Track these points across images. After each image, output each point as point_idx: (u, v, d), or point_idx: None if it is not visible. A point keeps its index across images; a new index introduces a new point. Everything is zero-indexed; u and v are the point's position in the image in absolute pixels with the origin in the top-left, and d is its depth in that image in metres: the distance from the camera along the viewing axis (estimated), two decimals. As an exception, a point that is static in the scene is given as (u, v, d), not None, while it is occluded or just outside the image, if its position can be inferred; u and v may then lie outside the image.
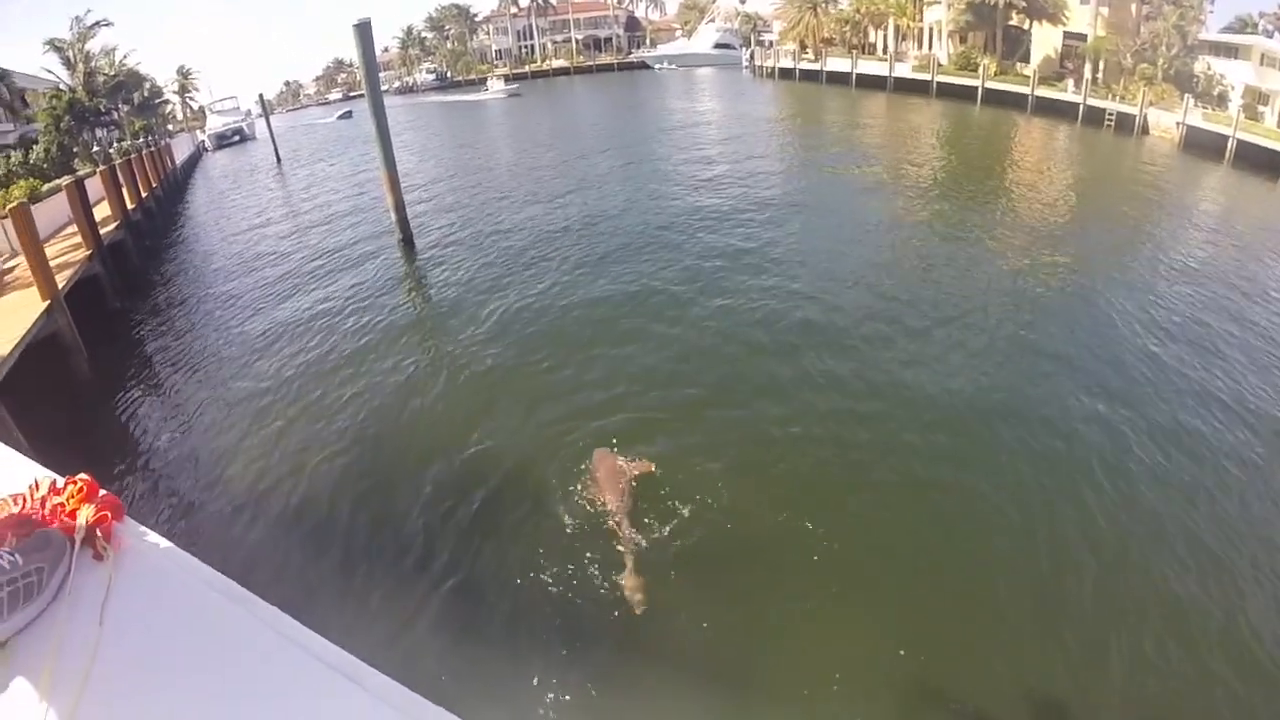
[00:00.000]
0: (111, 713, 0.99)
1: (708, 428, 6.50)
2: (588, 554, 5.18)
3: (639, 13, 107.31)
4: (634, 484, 5.71)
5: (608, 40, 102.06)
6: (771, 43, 75.72)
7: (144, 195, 20.36)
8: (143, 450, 7.78)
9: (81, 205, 12.67)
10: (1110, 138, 31.34)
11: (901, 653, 4.56)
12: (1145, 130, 31.42)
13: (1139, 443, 6.57)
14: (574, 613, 4.83)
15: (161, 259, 17.26)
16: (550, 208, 14.24)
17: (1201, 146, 27.80)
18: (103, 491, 1.34)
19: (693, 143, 20.63)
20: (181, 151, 43.69)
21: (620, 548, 5.16)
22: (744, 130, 23.77)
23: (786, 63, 60.95)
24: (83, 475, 1.37)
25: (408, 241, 12.36)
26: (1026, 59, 42.84)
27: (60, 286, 9.72)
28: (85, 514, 1.28)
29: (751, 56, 73.83)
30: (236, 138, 59.34)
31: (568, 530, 5.46)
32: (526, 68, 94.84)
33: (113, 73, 40.46)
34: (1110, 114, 32.73)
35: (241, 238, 17.68)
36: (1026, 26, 42.83)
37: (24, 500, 1.34)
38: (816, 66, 55.17)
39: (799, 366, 7.54)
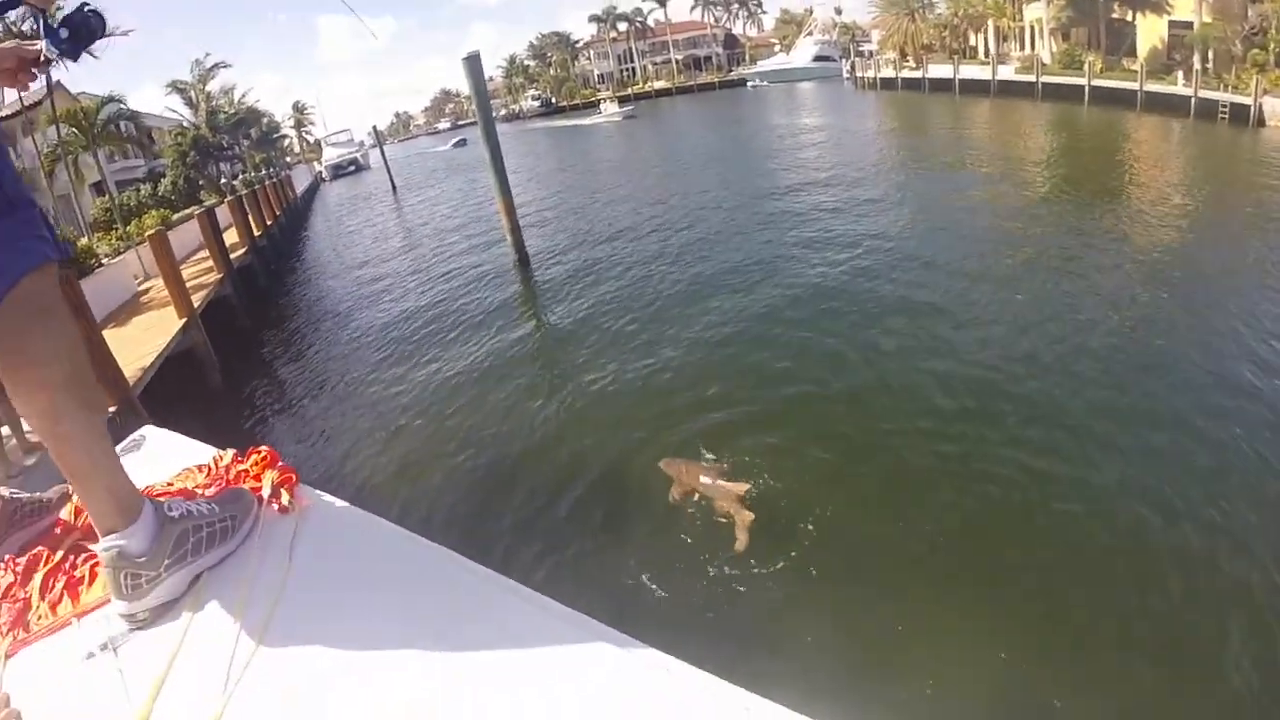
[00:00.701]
0: (299, 630, 1.17)
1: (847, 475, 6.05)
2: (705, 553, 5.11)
3: (737, 30, 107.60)
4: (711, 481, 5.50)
5: (707, 59, 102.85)
6: (871, 52, 74.33)
7: (269, 223, 21.97)
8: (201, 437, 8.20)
9: (213, 232, 13.88)
10: (1226, 130, 29.11)
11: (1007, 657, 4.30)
12: (1261, 121, 28.88)
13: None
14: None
15: (285, 282, 18.36)
16: (660, 229, 14.08)
17: (1326, 133, 25.34)
18: (281, 462, 1.60)
19: (798, 162, 20.06)
20: (300, 182, 46.94)
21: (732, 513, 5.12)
22: (849, 148, 22.87)
23: (887, 72, 59.59)
24: (264, 446, 1.64)
25: (523, 262, 12.80)
26: (1133, 53, 40.36)
27: (195, 305, 10.71)
28: (270, 477, 1.53)
29: (852, 68, 72.46)
30: (352, 168, 63.20)
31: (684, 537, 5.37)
32: (629, 90, 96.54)
33: (232, 110, 43.90)
34: (1224, 105, 30.34)
35: (360, 260, 18.51)
36: (1130, 18, 40.40)
37: (209, 469, 1.66)
38: (918, 74, 53.77)
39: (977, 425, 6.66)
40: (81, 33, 1.48)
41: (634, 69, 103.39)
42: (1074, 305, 9.04)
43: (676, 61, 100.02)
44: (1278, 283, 10.10)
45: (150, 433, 2.08)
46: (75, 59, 1.51)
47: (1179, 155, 23.06)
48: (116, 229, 22.96)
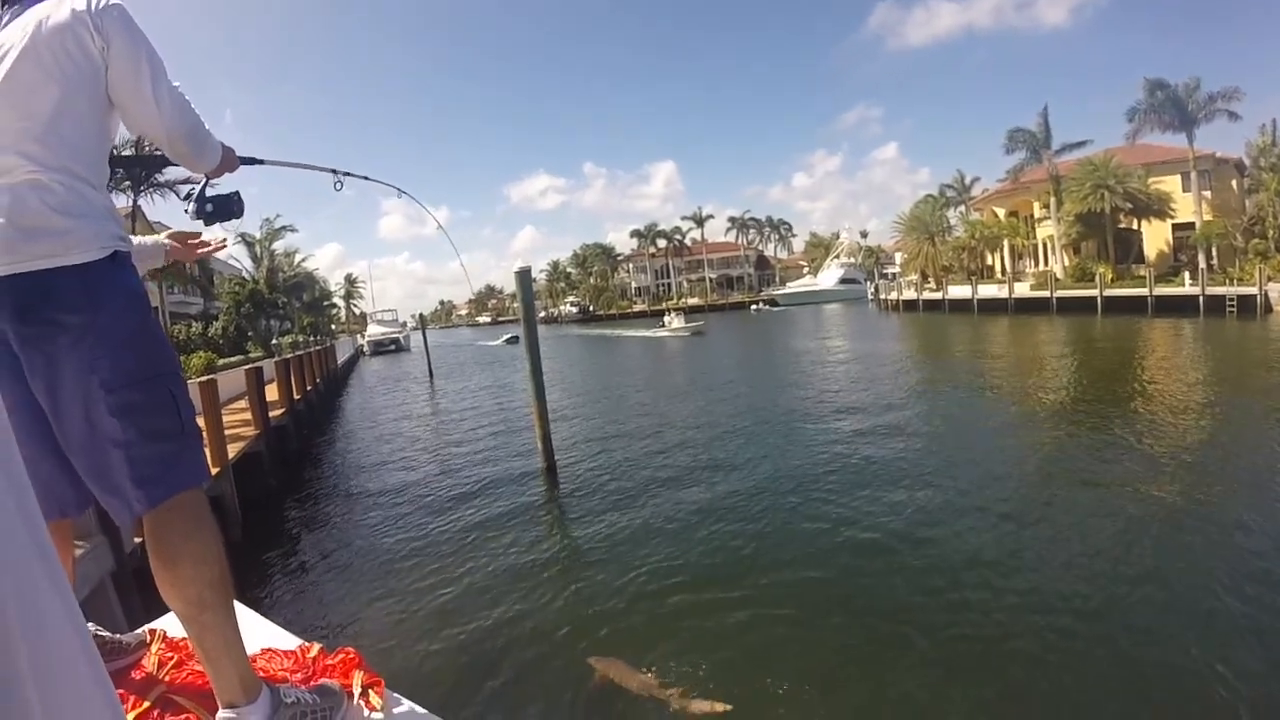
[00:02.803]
0: None
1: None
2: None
3: (768, 251, 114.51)
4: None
5: (739, 278, 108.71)
6: (894, 275, 78.08)
7: (309, 388, 22.38)
8: (273, 619, 8.08)
9: (257, 389, 14.11)
10: (1235, 324, 29.62)
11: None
12: (1269, 308, 29.68)
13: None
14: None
15: (316, 449, 18.47)
16: (689, 452, 14.52)
17: (1331, 310, 25.89)
18: (367, 665, 1.78)
19: (826, 389, 20.45)
20: (343, 353, 48.56)
21: None
22: (875, 370, 23.36)
23: (909, 294, 60.83)
24: (350, 647, 1.84)
25: (551, 470, 12.92)
26: (1141, 259, 42.29)
27: (229, 456, 10.78)
28: (359, 677, 1.71)
29: (876, 290, 75.44)
30: (393, 346, 65.80)
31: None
32: (664, 304, 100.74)
33: (292, 272, 46.81)
34: (1231, 299, 31.31)
35: (389, 441, 18.67)
36: (1136, 227, 42.75)
37: (296, 657, 1.80)
38: (938, 296, 55.33)
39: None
40: (221, 212, 1.86)
41: (670, 284, 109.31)
42: (1098, 533, 8.62)
43: (710, 280, 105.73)
44: None
45: None
46: (206, 226, 1.94)
47: (1191, 356, 23.25)
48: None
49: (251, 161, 2.05)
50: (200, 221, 1.89)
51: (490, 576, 8.53)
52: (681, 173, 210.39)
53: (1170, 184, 42.03)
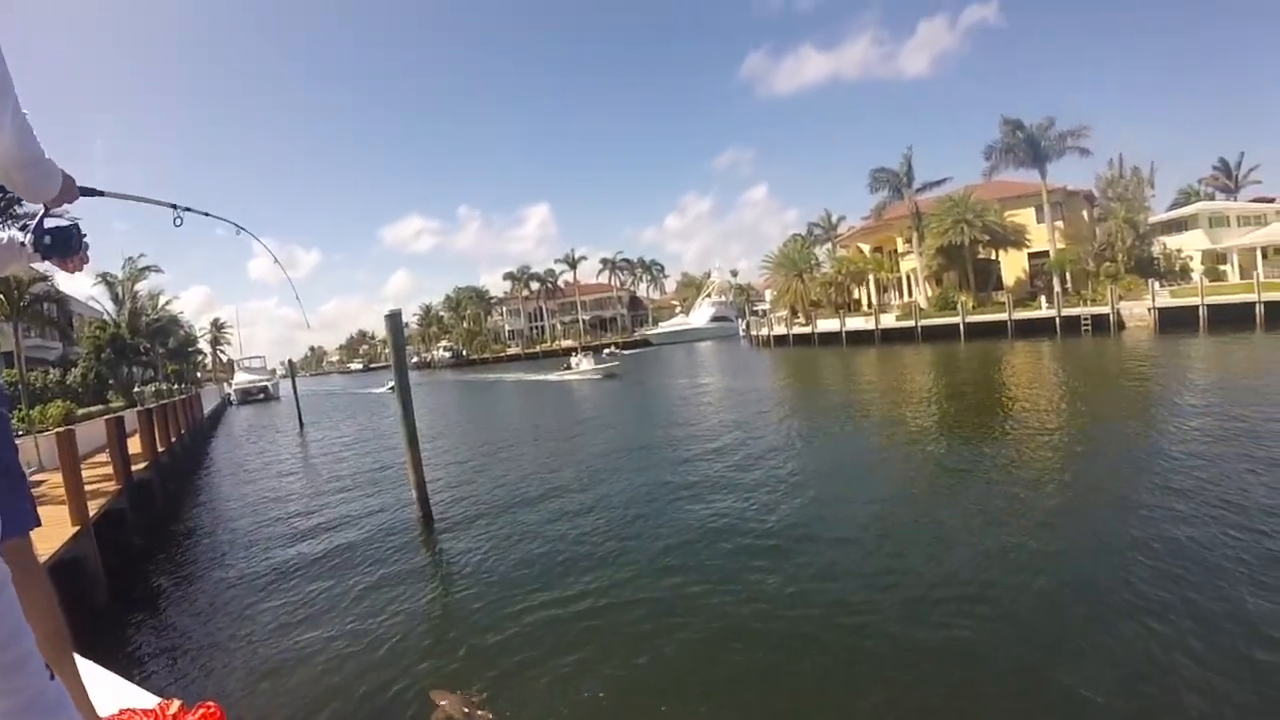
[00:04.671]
0: None
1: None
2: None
3: (641, 292, 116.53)
4: None
5: (612, 320, 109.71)
6: (764, 311, 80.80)
7: (173, 439, 20.96)
8: (134, 679, 7.39)
9: (119, 441, 13.08)
10: (1090, 341, 32.67)
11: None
12: (1122, 325, 32.88)
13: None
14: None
15: (182, 505, 17.50)
16: (563, 494, 14.39)
17: (1177, 323, 29.02)
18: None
19: (697, 429, 20.74)
20: (209, 402, 45.72)
21: None
22: (747, 407, 23.87)
23: (780, 329, 62.32)
24: (211, 702, 1.81)
25: (427, 519, 12.56)
26: (1000, 286, 45.90)
27: (91, 514, 9.90)
28: None
29: (747, 327, 77.75)
30: (261, 395, 62.51)
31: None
32: (537, 348, 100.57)
33: (155, 315, 43.24)
34: (1085, 319, 34.50)
35: (259, 494, 17.85)
36: (994, 257, 46.40)
37: (156, 716, 1.73)
38: (808, 330, 57.03)
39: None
40: (60, 244, 1.77)
41: (543, 327, 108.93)
42: (955, 536, 9.19)
43: (584, 321, 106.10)
44: (1148, 462, 11.32)
45: (80, 665, 2.02)
46: (43, 260, 1.81)
47: (1050, 372, 25.27)
48: (20, 409, 21.54)
49: (91, 192, 1.96)
50: (40, 257, 1.77)
51: (361, 626, 8.45)
52: (555, 215, 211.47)
53: (1025, 216, 46.27)
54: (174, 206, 2.58)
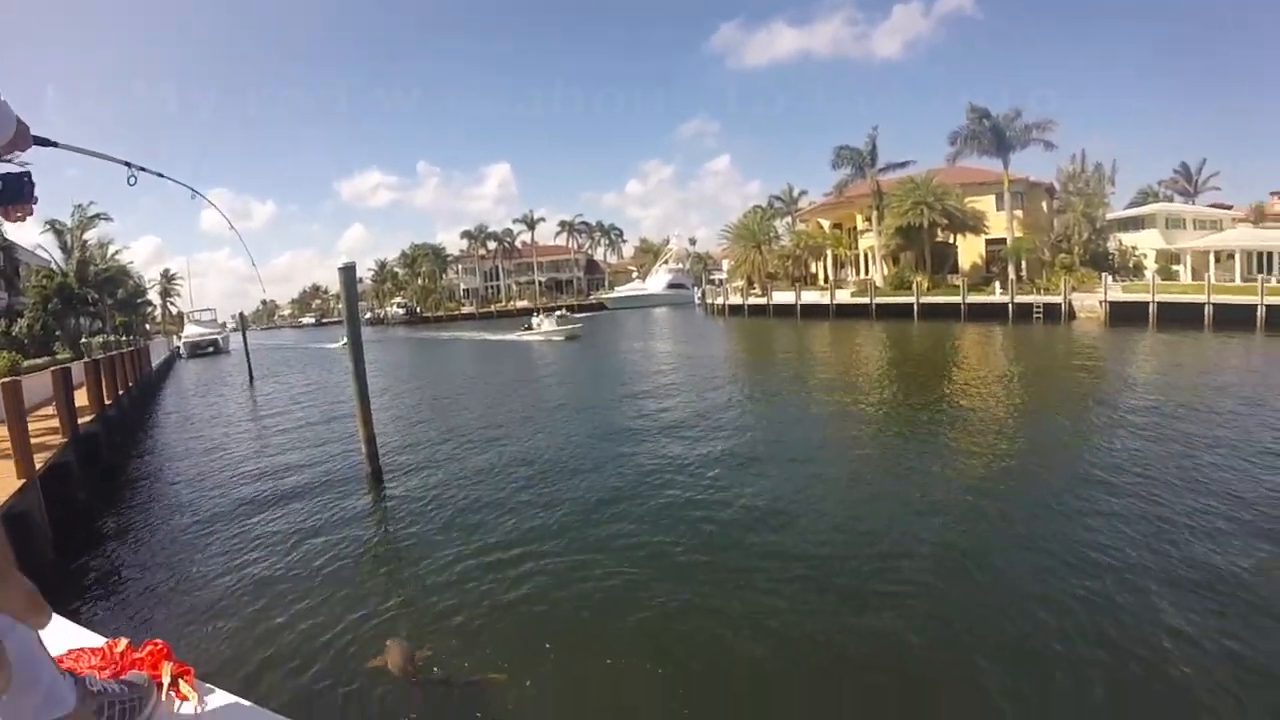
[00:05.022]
0: None
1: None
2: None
3: (598, 256, 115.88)
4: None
5: (568, 282, 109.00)
6: (721, 281, 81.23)
7: (120, 393, 20.47)
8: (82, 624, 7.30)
9: (65, 394, 12.78)
10: (1041, 329, 33.82)
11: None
12: (1073, 315, 34.07)
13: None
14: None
15: (129, 458, 17.24)
16: (513, 448, 14.40)
17: (1127, 318, 30.23)
18: (176, 657, 1.78)
19: (650, 389, 21.06)
20: (158, 355, 44.63)
21: None
22: (701, 373, 24.13)
23: (735, 299, 63.32)
24: (158, 639, 1.81)
25: (376, 474, 12.47)
26: (956, 270, 46.86)
27: (37, 468, 9.72)
28: (168, 667, 1.71)
29: (703, 295, 78.19)
30: (211, 349, 61.08)
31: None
32: (492, 307, 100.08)
33: (104, 265, 41.67)
34: (1038, 307, 35.59)
35: (207, 448, 17.71)
36: (952, 241, 47.30)
37: (104, 654, 1.76)
38: (763, 301, 57.67)
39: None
40: (10, 192, 1.74)
41: (499, 286, 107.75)
42: (899, 504, 9.79)
43: (540, 283, 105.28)
44: (1090, 450, 11.93)
45: None
46: None
47: (999, 356, 26.27)
48: (-38, 358, 20.75)
49: (44, 143, 1.91)
50: None
51: (306, 573, 8.72)
52: (516, 175, 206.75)
53: (985, 203, 47.27)
54: (128, 165, 2.53)
